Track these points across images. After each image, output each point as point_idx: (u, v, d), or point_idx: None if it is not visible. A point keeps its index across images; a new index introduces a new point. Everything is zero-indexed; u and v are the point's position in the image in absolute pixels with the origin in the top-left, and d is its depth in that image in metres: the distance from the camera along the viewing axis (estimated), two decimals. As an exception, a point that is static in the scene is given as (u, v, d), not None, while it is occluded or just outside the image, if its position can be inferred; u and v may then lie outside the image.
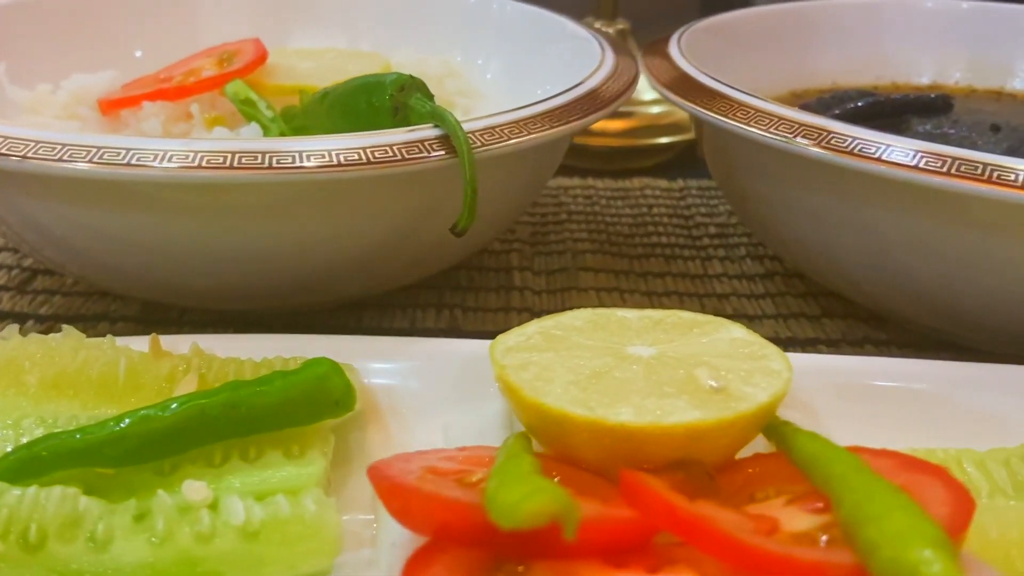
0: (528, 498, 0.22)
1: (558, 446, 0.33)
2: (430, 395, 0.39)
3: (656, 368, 0.33)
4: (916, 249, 0.47)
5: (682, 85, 0.53)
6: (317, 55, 0.63)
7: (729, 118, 0.49)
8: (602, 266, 0.63)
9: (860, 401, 0.40)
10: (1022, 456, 0.36)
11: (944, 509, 0.25)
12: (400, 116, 0.43)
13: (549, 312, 0.57)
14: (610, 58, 0.58)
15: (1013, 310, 0.47)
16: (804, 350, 0.54)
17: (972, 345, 0.52)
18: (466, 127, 0.42)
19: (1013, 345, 0.50)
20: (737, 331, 0.36)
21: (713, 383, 0.32)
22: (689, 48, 0.60)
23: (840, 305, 0.58)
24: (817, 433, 0.31)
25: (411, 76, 0.44)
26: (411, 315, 0.56)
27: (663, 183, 0.77)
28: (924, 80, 0.75)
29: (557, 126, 0.45)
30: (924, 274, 0.48)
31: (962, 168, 0.42)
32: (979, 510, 0.32)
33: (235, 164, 0.39)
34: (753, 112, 0.48)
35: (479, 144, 0.42)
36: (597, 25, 0.85)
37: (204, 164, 0.39)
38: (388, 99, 0.43)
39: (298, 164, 0.40)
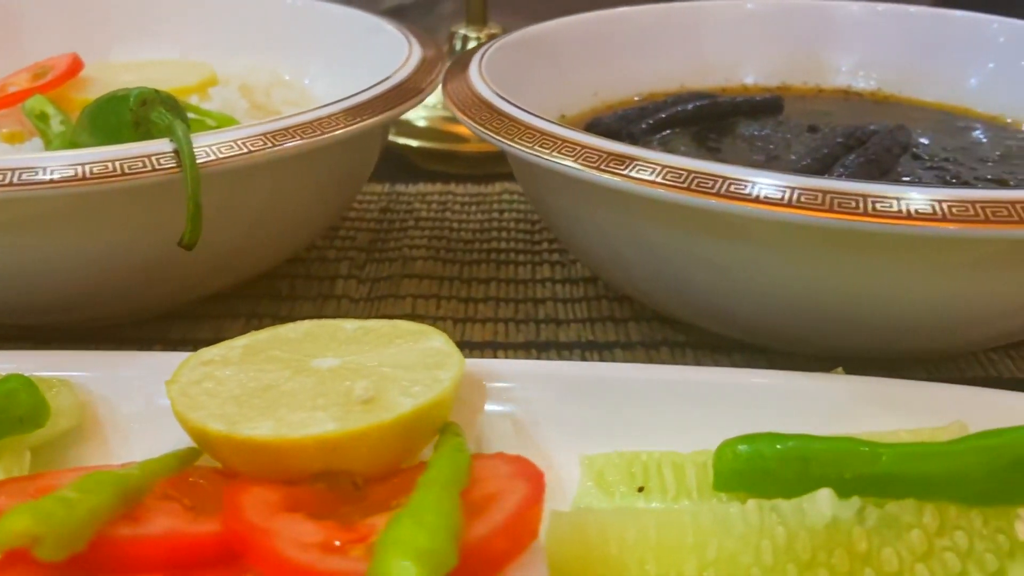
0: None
1: (222, 459, 0.33)
2: (149, 408, 0.39)
3: (327, 380, 0.34)
4: (689, 261, 0.46)
5: (464, 100, 0.53)
6: (139, 68, 0.63)
7: (497, 133, 0.48)
8: (429, 272, 0.64)
9: (584, 405, 0.40)
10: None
11: (511, 506, 0.25)
12: (142, 130, 0.44)
13: (358, 319, 0.58)
14: (414, 58, 0.59)
15: (782, 316, 0.47)
16: (601, 355, 0.54)
17: (762, 345, 0.52)
18: (214, 140, 0.43)
19: (798, 344, 0.50)
20: (436, 341, 0.37)
21: (363, 394, 0.32)
22: (500, 61, 0.60)
23: (650, 309, 0.58)
24: (461, 442, 0.31)
25: (156, 90, 0.44)
26: (218, 326, 0.57)
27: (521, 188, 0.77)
28: (774, 82, 0.75)
29: (309, 137, 0.45)
30: (700, 285, 0.47)
31: (698, 183, 0.40)
32: (642, 514, 0.32)
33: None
34: (520, 128, 0.47)
35: (213, 157, 0.42)
36: (464, 32, 0.86)
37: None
38: (129, 113, 0.43)
39: (34, 180, 0.41)
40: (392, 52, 0.62)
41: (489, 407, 0.39)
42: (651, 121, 0.63)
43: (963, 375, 0.52)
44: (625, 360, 0.53)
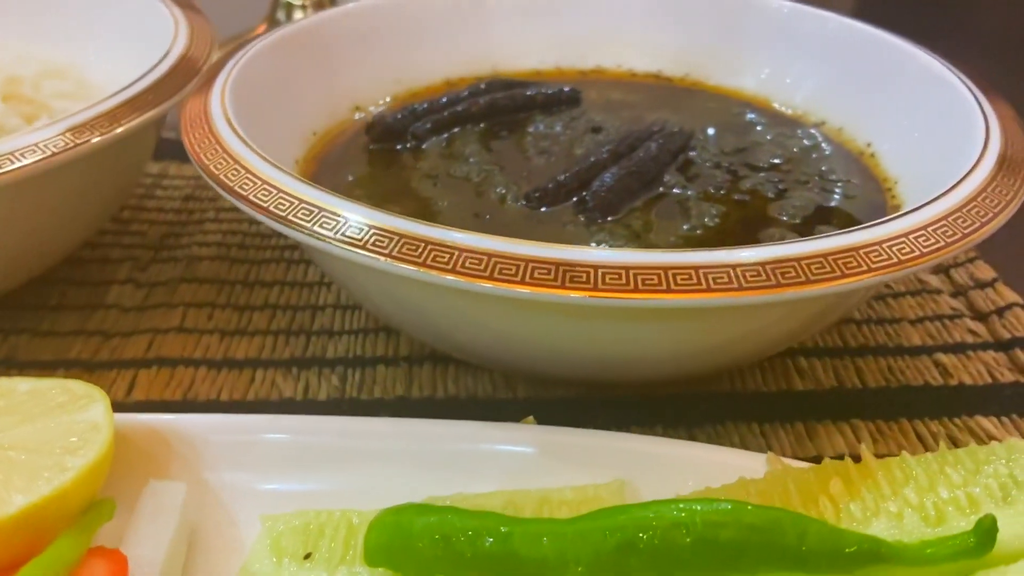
0: None
1: None
2: None
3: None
4: (427, 306, 0.44)
5: (200, 136, 0.48)
6: None
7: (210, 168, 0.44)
8: (212, 276, 0.62)
9: (271, 461, 0.39)
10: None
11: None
12: None
13: (121, 335, 0.56)
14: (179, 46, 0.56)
15: (523, 354, 0.46)
16: (363, 372, 0.53)
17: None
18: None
19: (543, 374, 0.50)
20: (94, 411, 0.36)
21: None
22: (269, 62, 0.57)
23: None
24: (79, 537, 0.31)
25: None
26: (-29, 342, 0.55)
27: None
28: (589, 64, 0.73)
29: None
30: (445, 327, 0.45)
31: (405, 247, 0.36)
32: None
33: None
34: (225, 164, 0.43)
35: None
36: None
37: None
38: None
39: None
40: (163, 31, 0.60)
41: (172, 468, 0.38)
42: (437, 118, 0.61)
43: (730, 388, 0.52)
44: (386, 377, 0.53)
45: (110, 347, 0.55)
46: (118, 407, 0.49)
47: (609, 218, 0.51)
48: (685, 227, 0.50)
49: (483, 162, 0.57)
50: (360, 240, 0.37)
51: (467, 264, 0.35)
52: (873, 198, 0.54)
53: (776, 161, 0.58)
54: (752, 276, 0.34)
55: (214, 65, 0.55)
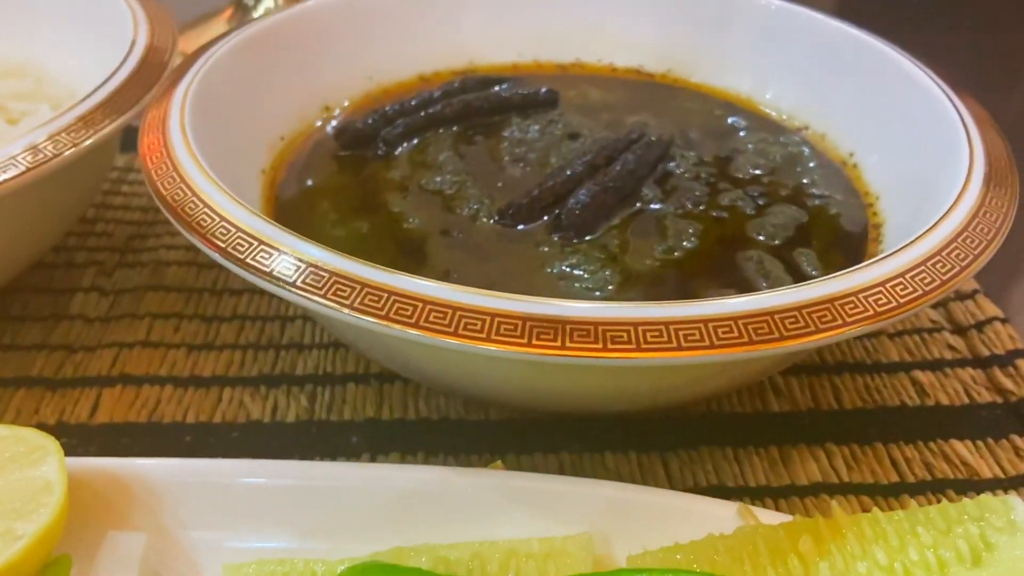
0: None
1: None
2: None
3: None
4: (402, 348, 0.42)
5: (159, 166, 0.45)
6: None
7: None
8: (179, 283, 0.60)
9: (236, 505, 0.39)
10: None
11: None
12: None
13: (85, 349, 0.55)
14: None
15: (495, 393, 0.45)
16: (334, 390, 0.52)
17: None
18: None
19: (523, 408, 0.49)
20: (47, 466, 0.35)
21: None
22: (237, 62, 0.55)
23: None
24: None
25: None
26: (-72, 359, 0.53)
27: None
28: (568, 58, 0.71)
29: None
30: (420, 365, 0.44)
31: (368, 298, 0.35)
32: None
33: None
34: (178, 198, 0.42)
35: None
36: None
37: None
38: None
39: None
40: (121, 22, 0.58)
41: (132, 516, 0.37)
42: (409, 122, 0.59)
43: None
44: (356, 396, 0.52)
45: (74, 363, 0.54)
46: (81, 432, 0.49)
47: (586, 237, 0.50)
48: (661, 249, 0.49)
49: (456, 172, 0.55)
50: (321, 288, 0.36)
51: (431, 318, 0.34)
52: (854, 215, 0.53)
53: (757, 172, 0.56)
54: (724, 332, 0.33)
55: (174, 72, 0.53)
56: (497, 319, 0.34)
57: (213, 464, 0.39)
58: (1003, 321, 0.57)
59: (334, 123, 0.61)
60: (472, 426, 0.50)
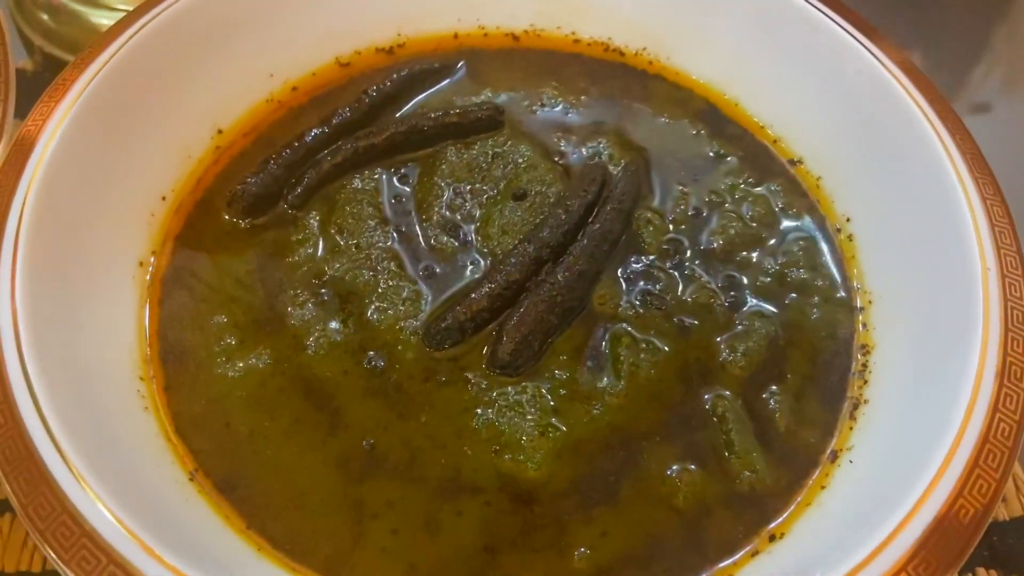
0: None
1: None
2: None
3: None
4: None
5: None
6: None
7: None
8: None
9: None
10: None
11: None
12: None
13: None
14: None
15: None
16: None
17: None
18: None
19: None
20: None
21: None
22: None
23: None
24: None
25: None
26: None
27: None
28: (522, 24, 0.57)
29: None
30: None
31: None
32: None
33: None
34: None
35: None
36: None
37: None
38: None
39: None
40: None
41: None
42: (317, 174, 0.48)
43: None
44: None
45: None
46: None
47: (521, 371, 0.42)
48: (612, 389, 0.42)
49: (374, 253, 0.46)
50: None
51: None
52: (838, 329, 0.45)
53: (734, 241, 0.47)
54: None
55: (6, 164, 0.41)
56: None
57: None
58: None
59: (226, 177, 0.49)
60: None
